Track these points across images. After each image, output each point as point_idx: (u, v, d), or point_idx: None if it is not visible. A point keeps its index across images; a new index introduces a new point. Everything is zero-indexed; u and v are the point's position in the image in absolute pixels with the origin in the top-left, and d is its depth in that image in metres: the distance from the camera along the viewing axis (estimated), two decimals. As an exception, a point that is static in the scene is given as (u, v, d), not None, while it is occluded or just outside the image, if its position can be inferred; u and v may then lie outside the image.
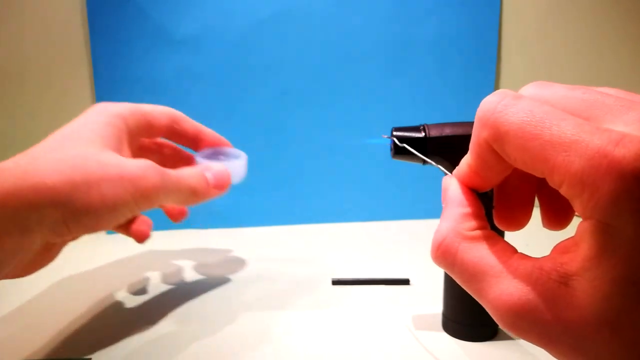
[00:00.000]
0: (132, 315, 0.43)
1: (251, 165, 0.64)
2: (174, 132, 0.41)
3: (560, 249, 0.17)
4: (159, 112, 0.40)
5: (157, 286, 0.49)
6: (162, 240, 0.61)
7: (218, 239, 0.62)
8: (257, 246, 0.59)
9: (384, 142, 0.37)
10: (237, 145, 0.63)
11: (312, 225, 0.65)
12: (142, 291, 0.48)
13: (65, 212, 0.30)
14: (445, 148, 0.36)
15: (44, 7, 0.58)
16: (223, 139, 0.44)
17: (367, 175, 0.64)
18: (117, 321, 0.42)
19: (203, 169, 0.39)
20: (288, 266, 0.53)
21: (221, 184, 0.39)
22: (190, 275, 0.51)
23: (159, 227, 0.64)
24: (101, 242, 0.61)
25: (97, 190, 0.31)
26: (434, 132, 0.36)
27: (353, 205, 0.65)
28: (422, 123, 0.37)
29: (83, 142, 0.32)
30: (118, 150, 0.34)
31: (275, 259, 0.55)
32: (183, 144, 0.43)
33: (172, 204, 0.36)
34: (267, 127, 0.63)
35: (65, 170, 0.30)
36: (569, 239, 0.17)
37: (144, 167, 0.33)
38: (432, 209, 0.60)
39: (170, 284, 0.50)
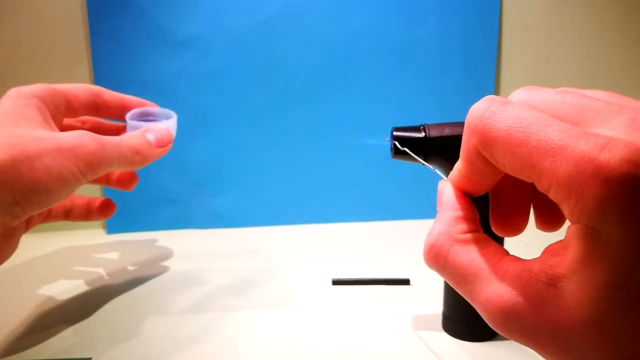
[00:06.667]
0: (131, 314, 0.44)
1: (252, 165, 0.64)
2: (97, 106, 0.41)
3: (550, 251, 0.17)
4: (75, 88, 0.40)
5: (155, 286, 0.49)
6: (162, 240, 0.61)
7: (218, 239, 0.62)
8: (257, 246, 0.59)
9: (384, 142, 0.37)
10: (237, 145, 0.63)
11: (312, 225, 0.65)
12: (140, 290, 0.48)
13: (14, 192, 0.30)
14: (445, 148, 0.36)
15: (43, 7, 0.58)
16: (147, 101, 0.44)
17: (367, 175, 0.64)
18: (116, 320, 0.43)
19: (143, 130, 0.39)
20: (288, 266, 0.53)
21: (163, 143, 0.40)
22: (189, 275, 0.52)
23: (159, 227, 0.64)
24: (103, 241, 0.61)
25: (40, 164, 0.31)
26: (434, 132, 0.36)
27: (353, 205, 0.65)
28: (422, 123, 0.37)
29: (9, 125, 0.32)
30: (46, 128, 0.34)
31: (275, 259, 0.55)
32: (110, 117, 0.43)
33: (118, 169, 0.37)
34: (267, 127, 0.63)
35: (2, 150, 0.30)
36: (558, 242, 0.17)
37: (78, 136, 0.33)
38: (432, 209, 0.60)
39: (169, 283, 0.50)
